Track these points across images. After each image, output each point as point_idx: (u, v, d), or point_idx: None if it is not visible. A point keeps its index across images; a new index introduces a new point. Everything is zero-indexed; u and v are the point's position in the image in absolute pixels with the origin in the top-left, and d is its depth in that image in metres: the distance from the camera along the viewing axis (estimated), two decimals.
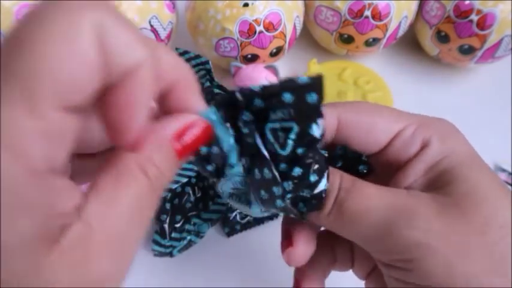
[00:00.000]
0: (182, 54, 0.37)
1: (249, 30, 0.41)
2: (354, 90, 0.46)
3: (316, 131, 0.17)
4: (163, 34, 0.43)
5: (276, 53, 0.44)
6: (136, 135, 0.14)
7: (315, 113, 0.17)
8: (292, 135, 0.18)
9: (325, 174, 0.20)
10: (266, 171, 0.19)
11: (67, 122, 0.13)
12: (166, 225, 0.35)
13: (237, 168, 0.19)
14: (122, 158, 0.15)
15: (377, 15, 0.43)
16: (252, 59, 0.44)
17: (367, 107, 0.22)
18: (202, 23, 0.42)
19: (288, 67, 0.49)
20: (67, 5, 0.12)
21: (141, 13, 0.41)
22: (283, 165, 0.19)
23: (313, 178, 0.19)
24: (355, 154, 0.22)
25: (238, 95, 0.18)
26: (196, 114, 0.17)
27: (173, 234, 0.35)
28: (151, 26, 0.42)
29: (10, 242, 0.12)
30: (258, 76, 0.40)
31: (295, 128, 0.17)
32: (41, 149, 0.12)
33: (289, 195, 0.20)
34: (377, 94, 0.45)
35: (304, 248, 0.22)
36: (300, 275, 0.26)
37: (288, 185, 0.19)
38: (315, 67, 0.47)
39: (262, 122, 0.18)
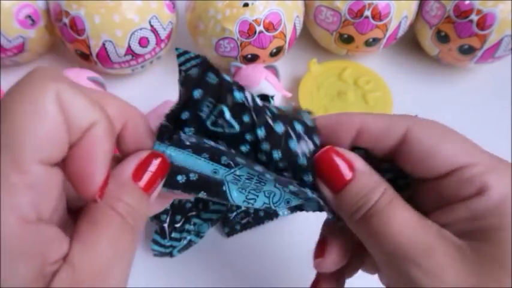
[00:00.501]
0: (182, 54, 0.37)
1: (249, 30, 0.41)
2: (354, 90, 0.46)
3: (238, 96, 0.18)
4: (163, 34, 0.43)
5: (276, 53, 0.44)
6: (101, 185, 0.16)
7: (223, 88, 0.18)
8: (227, 115, 0.18)
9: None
10: (256, 167, 0.20)
11: (49, 175, 0.15)
12: (166, 225, 0.35)
13: (244, 169, 0.20)
14: (95, 203, 0.17)
15: (377, 15, 0.43)
16: (252, 59, 0.44)
17: (439, 128, 0.20)
18: (202, 23, 0.42)
19: (288, 67, 0.49)
20: (33, 78, 0.15)
21: (141, 13, 0.41)
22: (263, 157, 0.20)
23: (302, 161, 0.20)
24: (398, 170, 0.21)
25: (163, 122, 0.19)
26: (149, 149, 0.19)
27: (173, 234, 0.35)
28: (151, 26, 0.42)
29: (12, 285, 0.14)
30: (258, 76, 0.40)
31: (224, 108, 0.18)
32: (29, 200, 0.15)
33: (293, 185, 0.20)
34: (377, 94, 0.45)
35: (335, 259, 0.23)
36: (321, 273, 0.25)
37: (288, 174, 0.20)
38: (315, 67, 0.47)
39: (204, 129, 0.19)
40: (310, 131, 0.21)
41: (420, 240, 0.18)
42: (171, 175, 0.20)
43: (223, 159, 0.20)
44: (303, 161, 0.20)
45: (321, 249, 0.23)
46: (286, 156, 0.20)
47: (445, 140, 0.20)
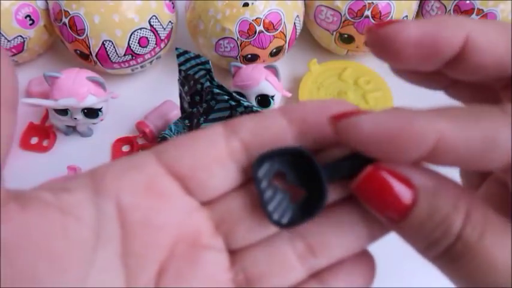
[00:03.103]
0: (182, 54, 0.37)
1: (249, 30, 0.41)
2: (354, 90, 0.46)
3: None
4: (163, 34, 0.43)
5: (276, 53, 0.44)
6: None
7: None
8: None
9: None
10: None
11: None
12: None
13: None
14: None
15: (377, 15, 0.43)
16: (252, 59, 0.43)
17: None
18: (202, 23, 0.42)
19: (288, 67, 0.49)
20: None
21: (141, 13, 0.41)
22: None
23: None
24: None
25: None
26: None
27: None
28: (151, 26, 0.42)
29: None
30: (258, 76, 0.40)
31: None
32: None
33: None
34: (377, 94, 0.45)
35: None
36: None
37: None
38: (315, 67, 0.46)
39: None
40: None
41: None
42: None
43: None
44: None
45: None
46: None
47: None
